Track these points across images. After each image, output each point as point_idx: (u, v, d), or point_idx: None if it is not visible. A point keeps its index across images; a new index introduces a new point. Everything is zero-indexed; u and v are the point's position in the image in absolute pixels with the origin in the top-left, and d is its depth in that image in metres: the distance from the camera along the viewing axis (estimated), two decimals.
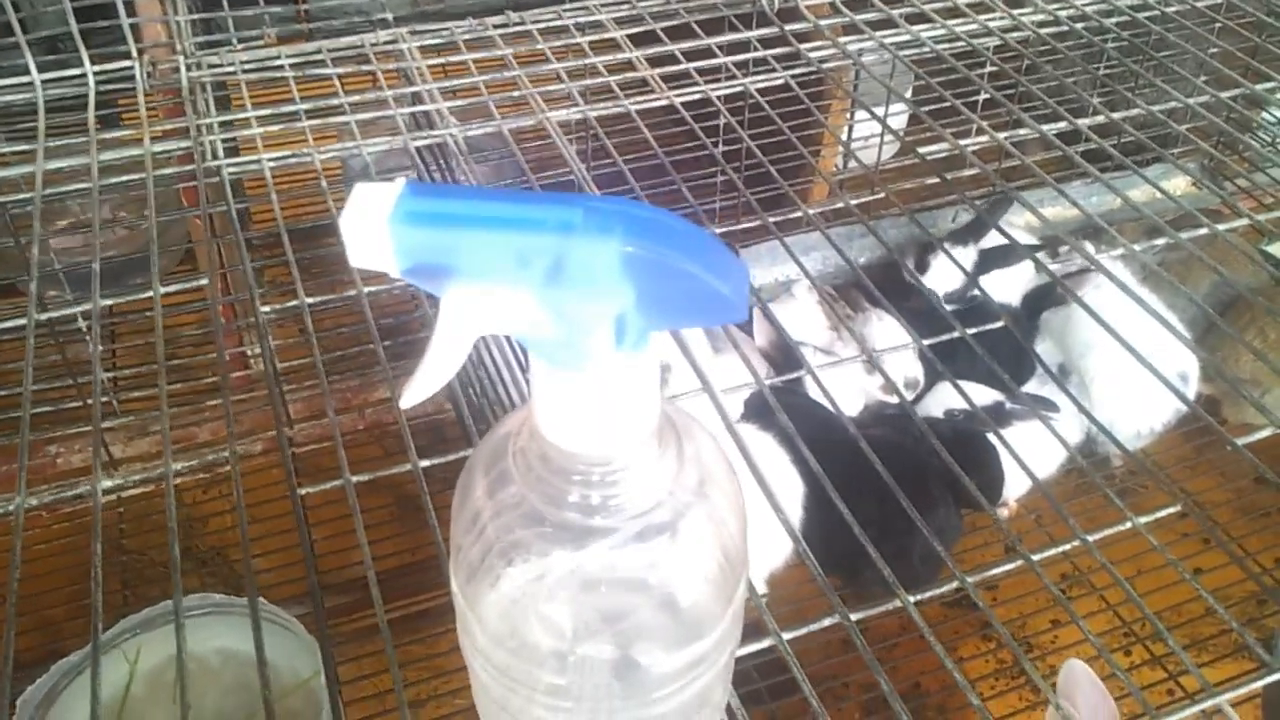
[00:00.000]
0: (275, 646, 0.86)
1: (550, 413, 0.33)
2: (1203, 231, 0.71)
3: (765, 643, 0.46)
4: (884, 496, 0.66)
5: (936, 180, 0.94)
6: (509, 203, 0.30)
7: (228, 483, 1.35)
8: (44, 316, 0.60)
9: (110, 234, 1.40)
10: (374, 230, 0.30)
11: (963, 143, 0.80)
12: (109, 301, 0.61)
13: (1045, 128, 0.80)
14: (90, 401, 1.06)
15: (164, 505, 1.35)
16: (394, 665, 0.45)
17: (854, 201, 0.75)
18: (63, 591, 1.20)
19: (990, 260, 1.00)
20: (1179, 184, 1.30)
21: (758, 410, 0.92)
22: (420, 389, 0.34)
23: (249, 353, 1.18)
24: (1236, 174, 1.21)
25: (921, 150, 0.81)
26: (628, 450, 0.34)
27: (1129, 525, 0.52)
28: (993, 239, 1.04)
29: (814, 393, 0.91)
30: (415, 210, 0.30)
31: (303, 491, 0.53)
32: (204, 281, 0.63)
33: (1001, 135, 0.81)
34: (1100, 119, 0.81)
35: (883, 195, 0.76)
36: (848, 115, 1.16)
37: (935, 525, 0.88)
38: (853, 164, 1.25)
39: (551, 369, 0.32)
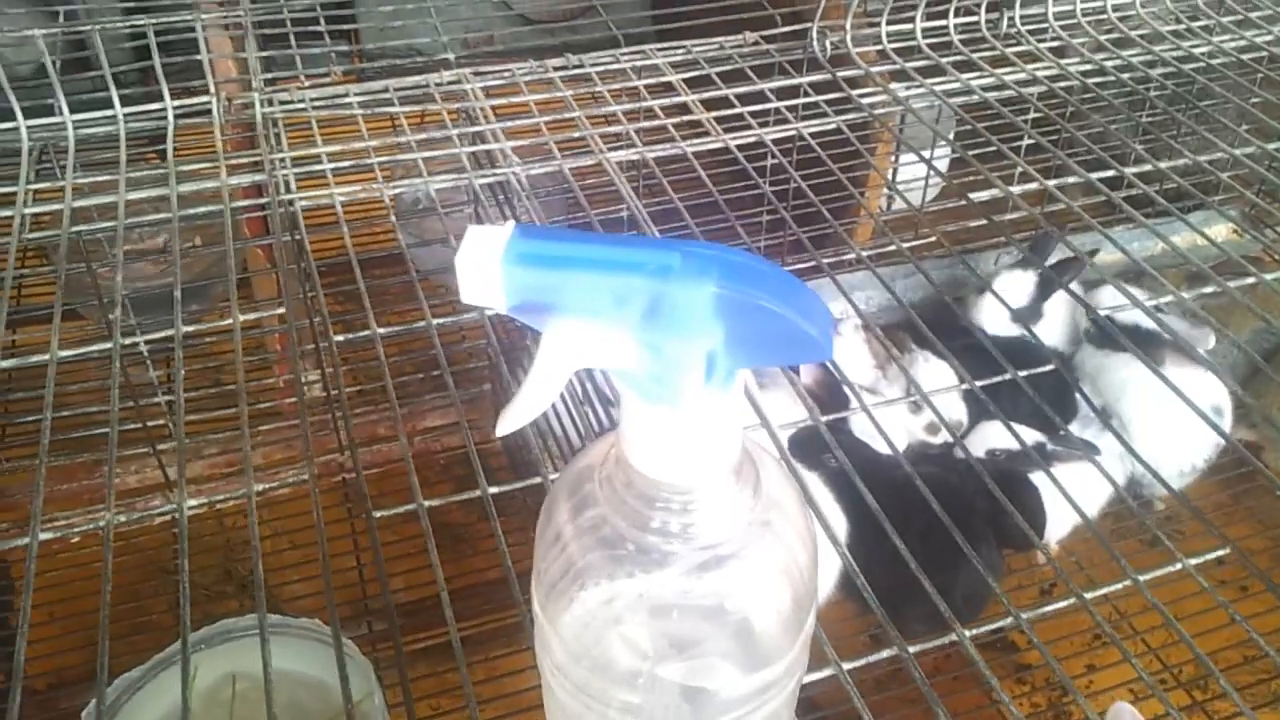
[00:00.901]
0: (327, 667, 0.88)
1: (638, 443, 0.35)
2: (1249, 280, 0.72)
3: (826, 672, 0.47)
4: (927, 534, 0.67)
5: (979, 224, 0.96)
6: (610, 246, 0.33)
7: (269, 508, 1.37)
8: (129, 341, 0.63)
9: (162, 263, 1.44)
10: (487, 269, 0.32)
11: (988, 194, 0.82)
12: (190, 328, 0.64)
13: (1089, 174, 0.81)
14: (150, 424, 1.09)
15: (210, 529, 1.37)
16: (467, 684, 0.47)
17: (903, 244, 0.77)
18: (112, 610, 1.23)
19: (1057, 273, 1.00)
20: (1219, 231, 1.31)
21: (802, 448, 0.93)
22: (517, 417, 0.36)
23: (302, 380, 1.20)
24: (1278, 222, 1.22)
25: (967, 194, 0.83)
26: (709, 481, 0.36)
27: (1172, 568, 0.53)
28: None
29: (857, 432, 0.93)
30: (525, 252, 0.32)
31: (378, 514, 0.55)
32: (281, 311, 0.65)
33: (1048, 181, 0.83)
34: (1145, 166, 0.83)
35: (932, 238, 0.78)
36: (892, 159, 1.18)
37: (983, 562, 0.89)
38: (897, 205, 1.27)
39: (643, 402, 0.34)
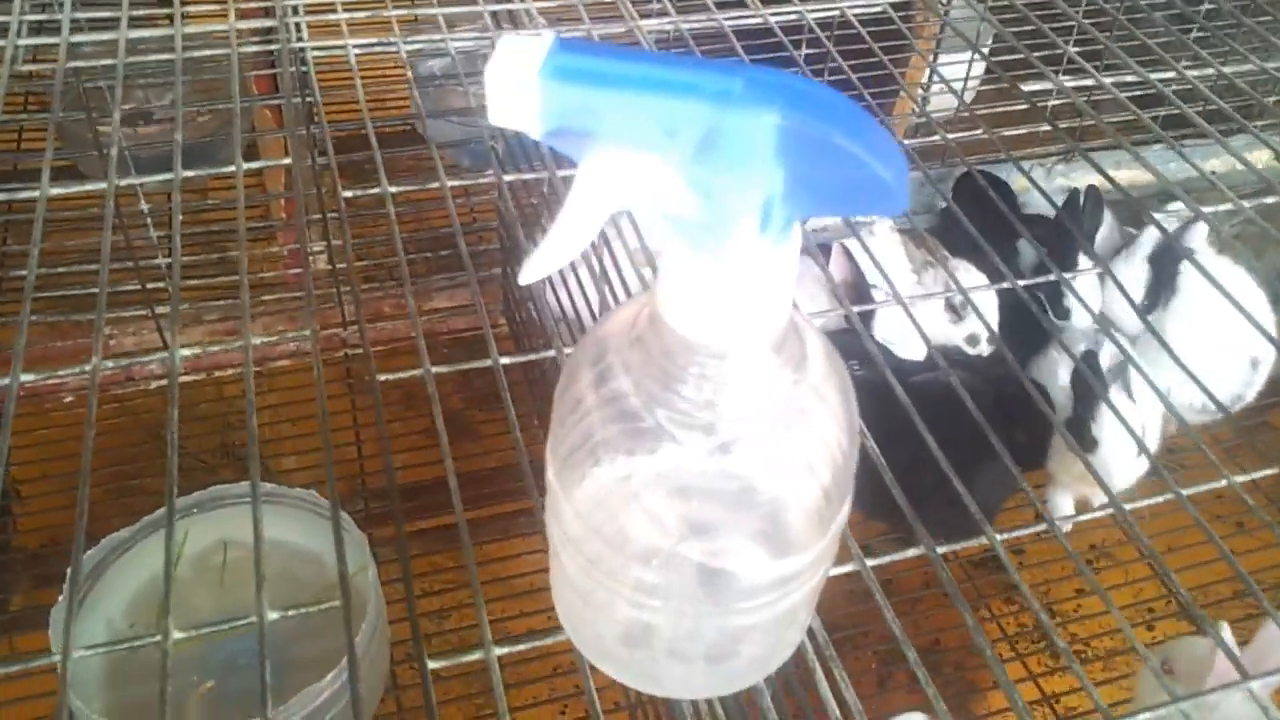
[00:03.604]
0: (322, 539, 0.86)
1: (677, 297, 0.32)
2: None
3: (849, 567, 0.45)
4: (944, 443, 0.65)
5: (1012, 133, 0.92)
6: (663, 66, 0.29)
7: (269, 379, 1.34)
8: (124, 182, 0.59)
9: (170, 122, 1.39)
10: (522, 84, 0.29)
11: (1040, 85, 0.77)
12: (190, 173, 0.60)
13: (1114, 80, 0.76)
14: (151, 286, 1.06)
15: (209, 395, 1.35)
16: (472, 566, 0.44)
17: (949, 137, 0.72)
18: (105, 472, 1.21)
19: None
20: (1260, 156, 1.26)
21: None
22: (546, 262, 0.32)
23: (309, 251, 1.17)
24: None
25: (1003, 100, 0.78)
26: (750, 347, 0.33)
27: (1160, 499, 0.50)
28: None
29: (879, 337, 0.90)
30: (566, 65, 0.29)
31: (382, 378, 0.52)
32: (285, 161, 0.61)
33: (1085, 85, 0.78)
34: (1183, 84, 0.78)
35: (979, 131, 0.74)
36: (931, 58, 1.13)
37: (995, 476, 0.87)
38: (930, 107, 1.22)
39: (688, 250, 0.31)
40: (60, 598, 0.75)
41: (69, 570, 0.78)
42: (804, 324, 0.35)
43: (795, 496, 0.36)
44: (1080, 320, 0.88)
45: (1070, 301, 0.87)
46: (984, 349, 0.91)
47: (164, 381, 1.20)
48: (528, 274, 0.33)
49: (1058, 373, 0.85)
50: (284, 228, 1.18)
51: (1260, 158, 1.25)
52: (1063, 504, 0.94)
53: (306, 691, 0.69)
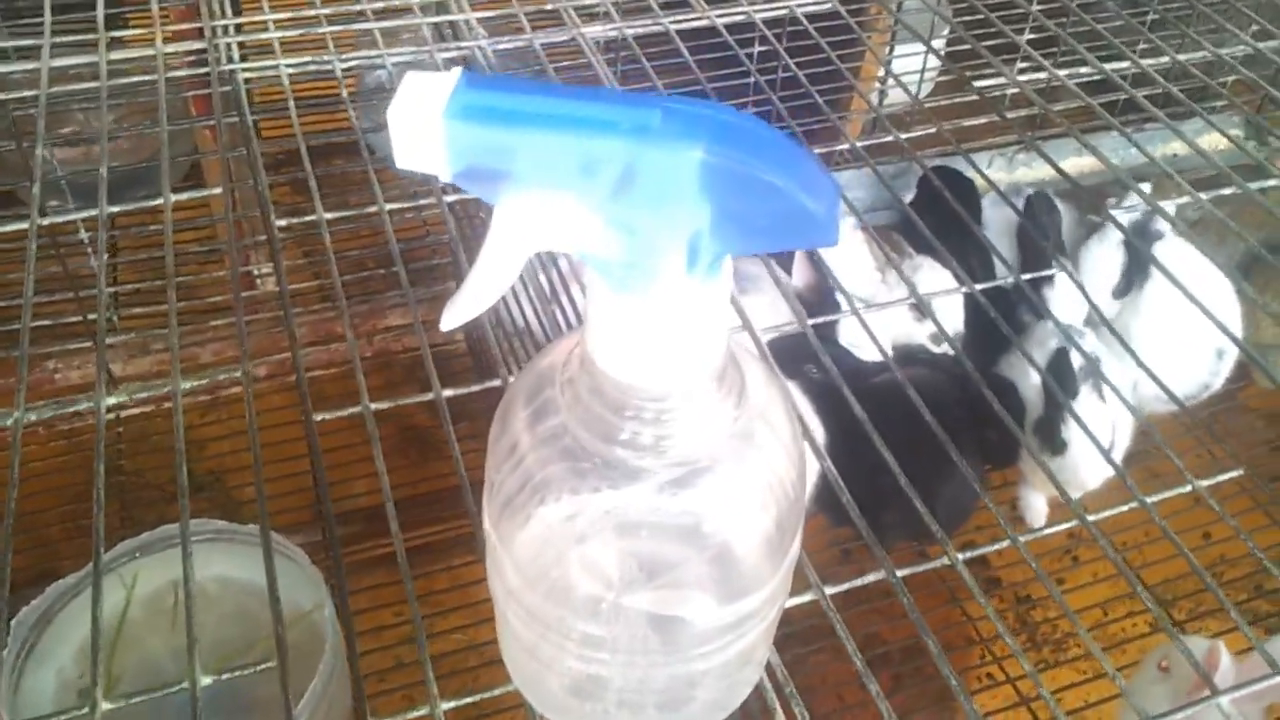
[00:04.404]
0: (280, 576, 0.83)
1: (607, 340, 0.30)
2: (1270, 183, 0.67)
3: (807, 596, 0.43)
4: (908, 445, 0.63)
5: (974, 122, 0.90)
6: (577, 100, 0.27)
7: (227, 406, 1.32)
8: (46, 221, 0.57)
9: (113, 145, 1.36)
10: (426, 125, 0.27)
11: (995, 82, 0.76)
12: (115, 209, 0.58)
13: (1069, 73, 0.75)
14: (91, 317, 1.03)
15: (163, 427, 1.32)
16: (412, 599, 0.42)
17: (901, 137, 0.71)
18: (58, 511, 1.18)
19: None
20: (1210, 141, 1.26)
21: (782, 355, 0.89)
22: (464, 309, 0.30)
23: (255, 272, 1.14)
24: None
25: (958, 92, 0.77)
26: (687, 387, 0.31)
27: (1125, 508, 0.49)
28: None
29: (842, 340, 0.88)
30: (473, 104, 0.27)
31: (318, 417, 0.50)
32: (217, 191, 0.59)
33: (1027, 80, 0.76)
34: (1134, 69, 0.77)
35: (932, 129, 0.72)
36: (885, 51, 1.11)
37: (964, 476, 0.85)
38: (889, 100, 1.20)
39: (612, 292, 0.29)
40: (5, 652, 0.72)
41: (13, 622, 0.76)
42: (740, 352, 0.34)
43: (745, 532, 0.34)
44: (1058, 311, 0.87)
45: (1047, 291, 0.86)
46: (949, 347, 0.90)
47: (123, 397, 1.17)
48: (448, 320, 0.31)
49: (1028, 370, 0.84)
50: (230, 249, 1.15)
51: (1213, 141, 1.25)
52: (1035, 502, 0.93)
53: None
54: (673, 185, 0.27)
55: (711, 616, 0.35)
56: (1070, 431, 0.80)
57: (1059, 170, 0.66)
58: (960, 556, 0.45)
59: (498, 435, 0.35)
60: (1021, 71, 0.77)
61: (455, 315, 0.31)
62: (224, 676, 0.41)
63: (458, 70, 0.28)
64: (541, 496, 0.34)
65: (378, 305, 1.16)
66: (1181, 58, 0.76)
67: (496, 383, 0.54)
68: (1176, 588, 1.23)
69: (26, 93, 0.70)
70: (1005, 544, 0.46)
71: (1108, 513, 0.48)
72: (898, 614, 1.22)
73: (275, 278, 1.04)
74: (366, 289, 1.22)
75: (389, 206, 0.60)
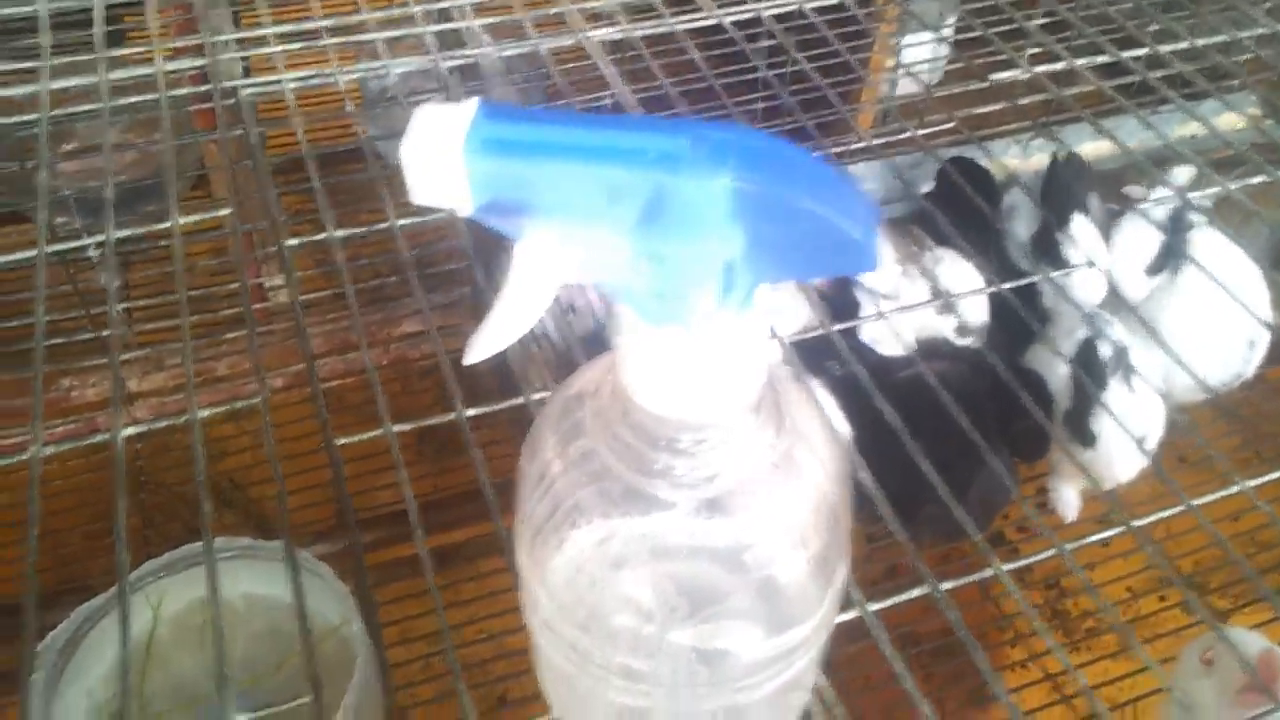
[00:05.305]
0: (308, 591, 0.83)
1: (639, 372, 0.29)
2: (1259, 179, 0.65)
3: (851, 614, 0.42)
4: (936, 439, 0.62)
5: (986, 110, 0.89)
6: (602, 129, 0.26)
7: (245, 419, 1.31)
8: (55, 248, 0.56)
9: (120, 158, 1.35)
10: (445, 161, 0.26)
11: (1009, 74, 0.75)
12: (124, 233, 0.57)
13: (1085, 60, 0.74)
14: (106, 334, 1.02)
15: (183, 440, 1.31)
16: (440, 608, 0.41)
17: (915, 131, 0.70)
18: (80, 530, 1.18)
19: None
20: (1226, 121, 1.23)
21: (804, 353, 0.87)
22: (489, 343, 0.30)
23: (267, 285, 1.13)
24: None
25: (968, 80, 0.75)
26: (724, 418, 0.30)
27: (1175, 511, 0.48)
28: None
29: (865, 337, 0.87)
30: (494, 137, 0.26)
31: (340, 441, 0.49)
32: (225, 212, 0.58)
33: (1054, 66, 0.75)
34: (1146, 51, 0.75)
35: (946, 123, 0.71)
36: (893, 43, 1.10)
37: (994, 471, 0.84)
38: (899, 90, 1.19)
39: (643, 324, 0.28)
40: (34, 676, 0.72)
41: (39, 648, 0.75)
42: (777, 374, 0.33)
43: (790, 561, 0.33)
44: (1082, 297, 0.85)
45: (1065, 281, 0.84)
46: (973, 340, 0.89)
47: (142, 428, 1.16)
48: (472, 356, 0.30)
49: (1056, 361, 0.82)
50: (244, 262, 1.14)
51: (1229, 121, 1.23)
52: (1067, 494, 0.91)
53: None
54: (703, 213, 0.26)
55: (758, 649, 0.34)
56: (1101, 423, 0.79)
57: (1071, 154, 0.65)
58: (1005, 568, 0.44)
59: (527, 464, 0.34)
60: (1034, 59, 0.76)
61: (480, 349, 0.30)
62: (258, 715, 0.41)
63: (474, 101, 0.27)
64: (574, 520, 0.33)
65: (393, 313, 1.15)
66: (1200, 42, 0.74)
67: (520, 400, 0.53)
68: (1212, 577, 1.21)
69: (29, 115, 0.69)
70: (1051, 552, 0.45)
71: (1153, 517, 0.47)
72: (931, 605, 1.21)
73: (289, 290, 1.03)
74: (379, 295, 1.21)
75: (400, 223, 0.59)
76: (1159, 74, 0.72)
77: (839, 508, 0.33)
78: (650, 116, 0.27)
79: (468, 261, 1.16)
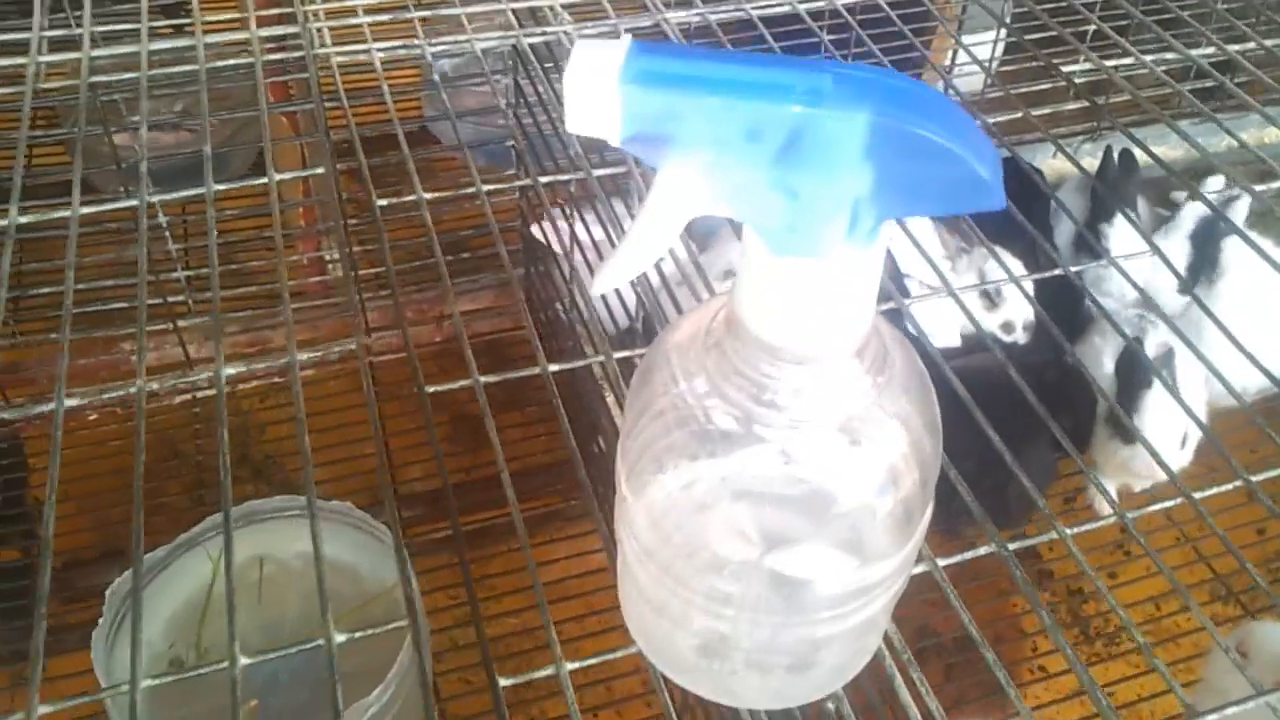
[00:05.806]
0: (361, 553, 0.85)
1: (760, 301, 0.31)
2: None
3: (920, 568, 0.44)
4: (980, 431, 0.64)
5: (1035, 112, 0.90)
6: (748, 66, 0.28)
7: (286, 391, 1.33)
8: (154, 199, 0.58)
9: (181, 132, 1.38)
10: (601, 91, 0.28)
11: (1068, 69, 0.76)
12: (221, 186, 0.59)
13: (1151, 58, 0.75)
14: (171, 300, 1.05)
15: (234, 409, 1.34)
16: (468, 578, 0.43)
17: (986, 120, 0.71)
18: (127, 491, 1.20)
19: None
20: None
21: None
22: (618, 272, 0.31)
23: (327, 258, 1.16)
24: None
25: (1024, 79, 0.77)
26: (833, 352, 0.32)
27: (1233, 485, 0.49)
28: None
29: (910, 327, 0.89)
30: (647, 69, 0.28)
31: (431, 390, 0.51)
32: (320, 170, 0.60)
33: (1114, 64, 0.76)
34: (1215, 54, 0.77)
35: (1018, 114, 0.73)
36: (951, 40, 1.11)
37: (1036, 463, 0.85)
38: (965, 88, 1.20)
39: (770, 254, 0.30)
40: (101, 620, 0.74)
41: (107, 592, 0.78)
42: (883, 325, 0.34)
43: (878, 503, 0.35)
44: (1120, 302, 0.87)
45: (1107, 285, 0.86)
46: (1019, 336, 0.90)
47: (187, 396, 1.19)
48: (600, 284, 0.32)
49: (1100, 360, 0.83)
50: (302, 235, 1.17)
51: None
52: (1106, 489, 0.92)
53: (355, 707, 0.68)
54: (840, 149, 0.27)
55: (839, 582, 0.36)
56: (1144, 421, 0.80)
57: (1148, 152, 0.66)
58: (1011, 547, 0.45)
59: (636, 392, 0.36)
60: (1105, 56, 0.77)
61: (607, 279, 0.32)
62: (357, 635, 0.43)
63: (628, 38, 0.28)
64: (675, 459, 0.35)
65: (440, 293, 1.17)
66: (1269, 43, 0.75)
67: (599, 358, 0.55)
68: (1237, 581, 1.22)
69: (122, 76, 0.71)
70: (1112, 519, 0.46)
71: (1212, 490, 0.48)
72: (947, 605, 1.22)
73: (346, 263, 1.06)
74: (431, 274, 1.23)
75: (486, 187, 0.61)
76: (1236, 80, 0.73)
77: (929, 457, 0.35)
78: (791, 56, 0.29)
79: (520, 245, 1.18)
